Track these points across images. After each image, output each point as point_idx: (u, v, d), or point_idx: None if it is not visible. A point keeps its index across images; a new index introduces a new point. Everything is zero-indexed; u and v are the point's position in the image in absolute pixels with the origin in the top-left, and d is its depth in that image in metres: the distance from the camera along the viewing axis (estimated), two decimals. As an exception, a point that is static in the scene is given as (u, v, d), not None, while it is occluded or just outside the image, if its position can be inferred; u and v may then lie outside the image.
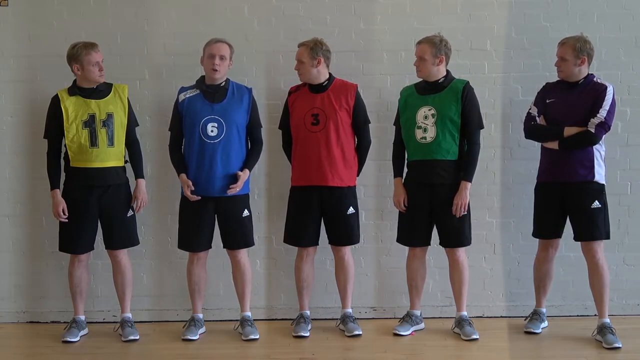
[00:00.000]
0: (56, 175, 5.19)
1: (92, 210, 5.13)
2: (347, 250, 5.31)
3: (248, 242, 5.30)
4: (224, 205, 5.17)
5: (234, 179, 5.12)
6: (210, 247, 5.29)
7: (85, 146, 5.07)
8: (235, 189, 5.13)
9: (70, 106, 5.11)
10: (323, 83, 5.24)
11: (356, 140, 5.30)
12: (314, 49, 5.16)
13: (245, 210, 5.26)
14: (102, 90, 5.17)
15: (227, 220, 5.21)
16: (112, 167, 5.13)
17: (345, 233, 5.26)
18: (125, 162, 5.23)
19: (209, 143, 5.12)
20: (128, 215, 5.22)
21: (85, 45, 5.07)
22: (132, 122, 5.24)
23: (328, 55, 5.23)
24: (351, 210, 5.25)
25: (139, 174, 5.26)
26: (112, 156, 5.12)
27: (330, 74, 5.27)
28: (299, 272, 5.33)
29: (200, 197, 5.12)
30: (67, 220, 5.13)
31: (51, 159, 5.21)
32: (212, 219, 5.22)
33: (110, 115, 5.12)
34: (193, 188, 5.11)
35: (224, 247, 5.29)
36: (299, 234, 5.29)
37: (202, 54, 5.19)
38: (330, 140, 5.16)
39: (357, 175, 5.33)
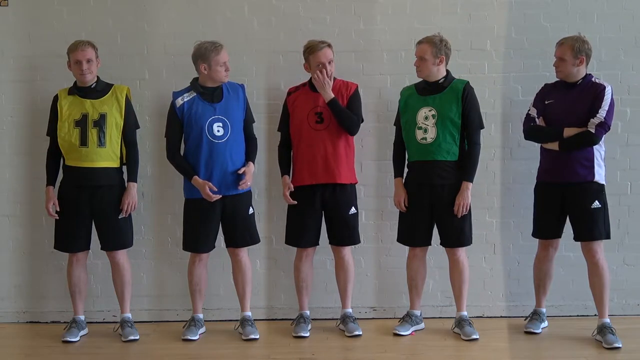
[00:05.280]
0: (52, 172, 5.20)
1: (83, 209, 5.11)
2: (348, 251, 5.30)
3: (254, 239, 5.31)
4: (231, 203, 5.16)
5: (238, 176, 5.12)
6: (214, 247, 5.29)
7: (75, 145, 5.06)
8: (247, 183, 5.14)
9: (66, 105, 5.12)
10: None
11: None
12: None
13: (250, 207, 5.27)
14: (99, 91, 5.15)
15: (233, 218, 5.19)
16: (102, 168, 5.09)
17: (347, 233, 5.26)
18: (123, 164, 5.21)
19: (218, 143, 5.10)
20: (120, 217, 5.18)
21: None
22: (130, 124, 5.21)
23: None
24: (353, 210, 5.25)
25: (131, 177, 5.20)
26: (103, 157, 5.08)
27: None
28: (298, 272, 5.33)
29: (221, 196, 5.10)
30: (57, 217, 5.15)
31: (50, 156, 5.22)
32: (219, 219, 5.20)
33: (103, 116, 5.09)
34: (215, 189, 5.07)
35: (227, 246, 5.29)
36: (300, 234, 5.28)
37: None
38: (335, 138, 5.17)
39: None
